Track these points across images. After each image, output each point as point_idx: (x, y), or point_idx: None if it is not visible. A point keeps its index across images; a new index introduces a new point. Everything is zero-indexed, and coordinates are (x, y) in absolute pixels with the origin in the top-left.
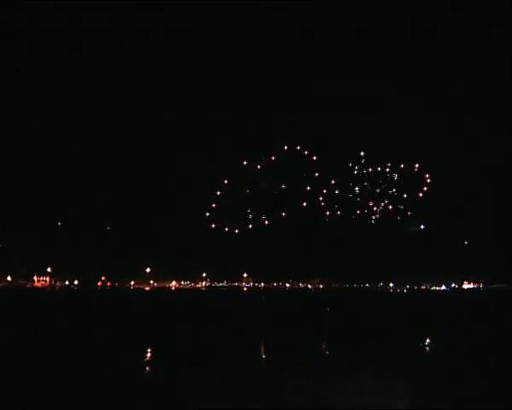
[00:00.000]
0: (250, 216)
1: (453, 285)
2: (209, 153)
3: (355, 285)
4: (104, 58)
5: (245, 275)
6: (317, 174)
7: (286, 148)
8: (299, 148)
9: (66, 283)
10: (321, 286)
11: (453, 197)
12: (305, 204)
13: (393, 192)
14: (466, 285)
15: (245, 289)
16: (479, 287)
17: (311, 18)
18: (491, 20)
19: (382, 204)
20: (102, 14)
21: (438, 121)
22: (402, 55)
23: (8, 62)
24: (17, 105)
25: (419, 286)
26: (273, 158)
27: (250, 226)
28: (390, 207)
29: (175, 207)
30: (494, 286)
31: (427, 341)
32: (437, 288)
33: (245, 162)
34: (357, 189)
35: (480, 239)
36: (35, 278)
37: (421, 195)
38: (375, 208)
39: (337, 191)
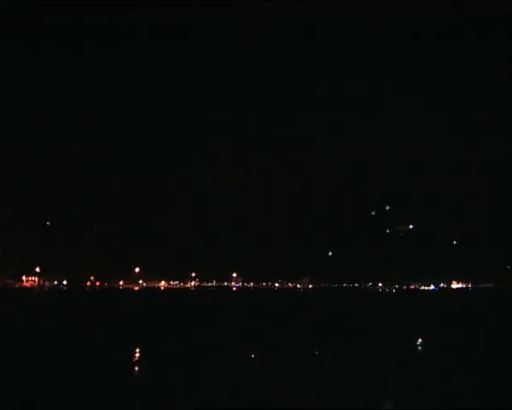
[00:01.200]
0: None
1: (442, 285)
2: (209, 153)
3: (344, 285)
4: (104, 58)
5: (234, 275)
6: (313, 174)
7: (285, 148)
8: (296, 148)
9: (55, 282)
10: (310, 286)
11: (444, 197)
12: (297, 204)
13: (387, 192)
14: (455, 285)
15: (234, 288)
16: (467, 286)
17: (311, 18)
18: (491, 20)
19: (374, 204)
20: (102, 14)
21: (438, 121)
22: (402, 55)
23: (8, 62)
24: (17, 105)
25: (408, 286)
26: (270, 158)
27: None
28: (381, 206)
29: (174, 207)
30: (482, 286)
31: (417, 340)
32: (426, 287)
33: (243, 163)
34: (347, 188)
35: (468, 239)
36: (23, 277)
37: (412, 194)
38: (366, 208)
39: (331, 191)
